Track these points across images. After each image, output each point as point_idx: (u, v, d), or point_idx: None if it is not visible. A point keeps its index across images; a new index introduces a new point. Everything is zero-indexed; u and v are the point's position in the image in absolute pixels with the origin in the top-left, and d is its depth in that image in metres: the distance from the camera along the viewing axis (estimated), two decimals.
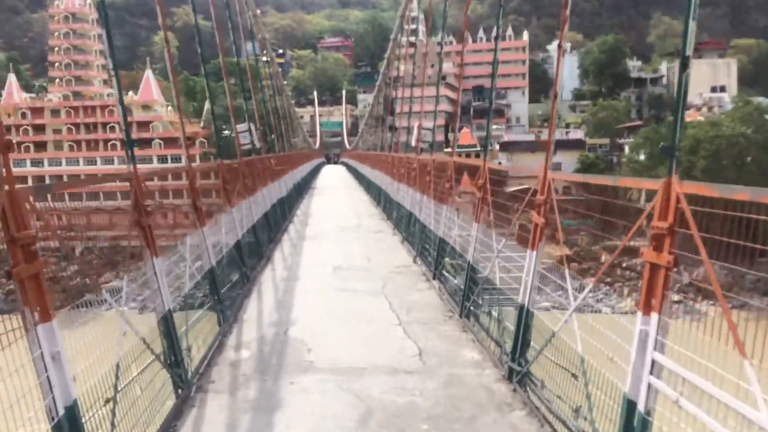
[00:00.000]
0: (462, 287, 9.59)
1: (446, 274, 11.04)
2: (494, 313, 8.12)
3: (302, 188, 33.46)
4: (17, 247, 3.90)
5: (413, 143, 16.83)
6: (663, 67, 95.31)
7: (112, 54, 6.77)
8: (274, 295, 11.24)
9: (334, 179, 54.20)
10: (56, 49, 76.22)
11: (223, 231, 10.47)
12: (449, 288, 10.71)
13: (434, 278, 11.82)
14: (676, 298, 4.64)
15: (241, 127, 14.89)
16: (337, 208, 27.18)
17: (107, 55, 6.91)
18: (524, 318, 6.86)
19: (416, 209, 14.89)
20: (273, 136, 24.73)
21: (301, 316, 9.74)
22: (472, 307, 9.15)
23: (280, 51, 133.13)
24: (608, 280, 42.52)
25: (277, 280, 12.54)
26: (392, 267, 13.39)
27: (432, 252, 12.47)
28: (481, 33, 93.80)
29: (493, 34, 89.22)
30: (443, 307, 10.20)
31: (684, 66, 4.17)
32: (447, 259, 11.11)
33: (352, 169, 58.46)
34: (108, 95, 70.84)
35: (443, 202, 11.78)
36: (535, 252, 7.30)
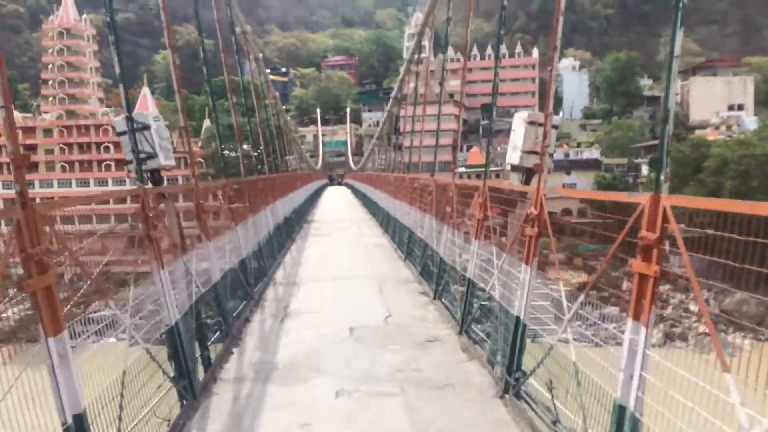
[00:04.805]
0: None
1: None
2: None
3: (292, 225, 24.80)
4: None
5: (516, 157, 7.89)
6: (677, 85, 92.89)
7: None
8: None
9: (337, 208, 44.24)
10: (50, 66, 74.03)
11: None
12: None
13: None
14: None
15: (120, 123, 6.83)
16: (344, 267, 16.40)
17: None
18: None
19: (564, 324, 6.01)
20: (223, 146, 16.62)
21: None
22: None
23: (284, 69, 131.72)
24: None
25: None
26: None
27: None
28: (489, 50, 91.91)
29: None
30: None
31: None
32: None
33: (359, 194, 50.08)
34: (103, 114, 68.42)
35: None
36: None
